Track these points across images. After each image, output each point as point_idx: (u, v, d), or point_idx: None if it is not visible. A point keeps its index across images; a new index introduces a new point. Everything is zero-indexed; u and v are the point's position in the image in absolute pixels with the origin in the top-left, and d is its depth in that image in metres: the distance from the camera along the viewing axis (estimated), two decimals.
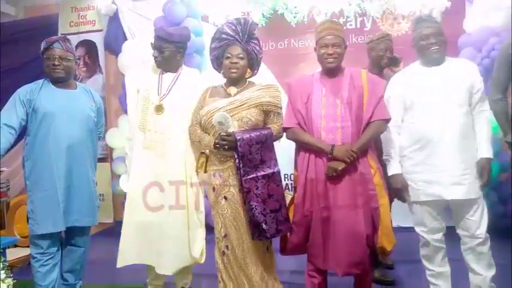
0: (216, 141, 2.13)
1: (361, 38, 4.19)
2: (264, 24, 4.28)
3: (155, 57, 2.42)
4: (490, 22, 3.46)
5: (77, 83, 2.58)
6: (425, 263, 2.35)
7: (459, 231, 2.25)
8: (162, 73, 2.46)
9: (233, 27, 2.22)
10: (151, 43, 2.42)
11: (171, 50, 2.41)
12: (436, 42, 2.20)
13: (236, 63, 2.20)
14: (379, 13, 4.06)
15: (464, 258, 2.26)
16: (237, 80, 2.25)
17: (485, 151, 2.17)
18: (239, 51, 2.20)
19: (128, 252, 2.39)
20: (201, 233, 2.44)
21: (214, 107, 2.20)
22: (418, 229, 2.33)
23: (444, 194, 2.17)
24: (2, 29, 4.67)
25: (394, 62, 2.90)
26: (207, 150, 2.31)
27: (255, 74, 2.35)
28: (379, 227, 2.14)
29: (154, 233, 2.37)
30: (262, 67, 4.25)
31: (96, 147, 2.62)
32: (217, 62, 2.31)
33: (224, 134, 2.11)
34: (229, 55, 2.21)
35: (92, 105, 2.53)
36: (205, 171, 2.30)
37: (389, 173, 2.31)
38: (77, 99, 2.48)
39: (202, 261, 2.45)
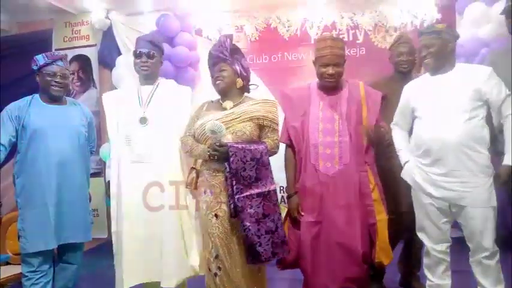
0: (208, 149, 2.08)
1: (353, 50, 4.23)
2: (257, 38, 4.32)
3: (144, 64, 2.38)
4: (480, 33, 3.50)
5: (67, 98, 2.57)
6: (426, 272, 2.32)
7: (467, 243, 2.21)
8: (140, 86, 2.45)
9: (216, 48, 2.23)
10: (137, 51, 2.40)
11: (159, 55, 2.43)
12: (428, 53, 2.20)
13: (218, 76, 2.19)
14: (371, 26, 4.10)
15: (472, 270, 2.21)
16: (226, 92, 2.22)
17: (507, 159, 2.09)
18: (221, 65, 2.19)
19: (134, 271, 2.31)
20: (197, 239, 2.38)
21: (209, 119, 2.17)
22: (420, 235, 2.31)
23: (448, 198, 2.14)
24: None
25: (415, 66, 2.74)
26: (198, 165, 2.28)
27: (249, 86, 2.31)
28: (376, 242, 2.12)
29: (154, 245, 2.31)
30: (256, 80, 4.31)
31: (89, 162, 2.60)
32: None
33: (217, 144, 2.06)
34: (213, 73, 2.23)
35: (83, 119, 2.52)
36: (196, 188, 2.26)
37: (402, 163, 2.32)
38: (67, 114, 2.47)
39: (203, 272, 2.35)
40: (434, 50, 2.19)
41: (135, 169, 2.35)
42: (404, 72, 2.69)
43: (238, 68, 2.21)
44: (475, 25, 3.50)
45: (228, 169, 2.03)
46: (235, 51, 2.26)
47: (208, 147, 2.09)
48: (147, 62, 2.38)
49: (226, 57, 2.19)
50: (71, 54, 4.60)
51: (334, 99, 2.22)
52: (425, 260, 2.32)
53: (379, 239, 2.14)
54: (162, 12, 4.23)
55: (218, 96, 2.29)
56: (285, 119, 2.26)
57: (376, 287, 2.71)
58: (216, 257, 2.09)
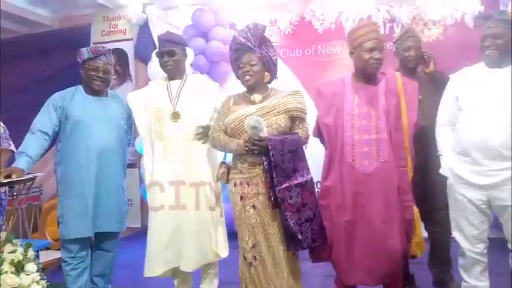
0: (247, 144, 2.08)
1: (390, 44, 4.11)
2: (290, 31, 4.29)
3: (166, 63, 2.44)
4: None
5: (108, 90, 2.64)
6: (461, 273, 2.26)
7: (508, 244, 2.13)
8: (169, 82, 2.50)
9: (244, 35, 2.17)
10: (157, 52, 2.48)
11: (181, 53, 2.47)
12: (494, 44, 2.06)
13: (248, 70, 2.16)
14: (409, 19, 3.98)
15: None
16: (255, 87, 2.20)
17: None
18: (251, 58, 2.15)
19: (157, 262, 2.39)
20: (222, 229, 2.48)
21: (243, 113, 2.16)
22: (456, 235, 2.24)
23: (490, 185, 2.05)
24: (37, 38, 4.87)
25: (424, 61, 2.62)
26: (228, 160, 2.30)
27: (275, 78, 2.28)
28: (412, 238, 2.10)
29: (179, 235, 2.39)
30: (289, 74, 4.27)
31: (126, 154, 2.67)
32: (237, 72, 2.28)
33: (256, 138, 2.07)
34: (241, 65, 2.18)
35: (122, 112, 2.59)
36: (227, 182, 2.28)
37: (440, 171, 2.25)
38: (108, 107, 2.54)
39: (225, 255, 2.47)
40: (502, 41, 2.05)
41: (167, 164, 2.40)
42: (410, 68, 2.58)
43: (267, 61, 2.18)
44: None
45: (267, 162, 2.06)
46: (264, 41, 2.21)
47: (246, 142, 2.09)
48: (169, 60, 2.43)
49: (254, 48, 2.15)
50: (108, 47, 4.73)
51: (370, 93, 2.15)
52: (460, 261, 2.25)
53: (415, 234, 2.11)
54: (198, 6, 4.29)
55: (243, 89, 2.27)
56: (317, 115, 2.23)
57: None
58: (253, 246, 2.15)
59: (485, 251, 2.18)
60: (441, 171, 2.25)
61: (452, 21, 3.82)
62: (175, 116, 2.42)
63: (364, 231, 2.09)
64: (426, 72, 2.62)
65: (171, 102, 2.44)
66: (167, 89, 2.48)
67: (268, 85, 2.25)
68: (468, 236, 2.18)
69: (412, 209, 2.09)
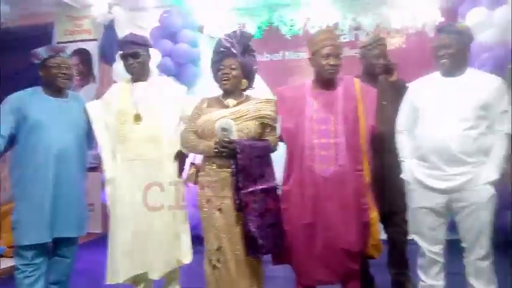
0: (216, 146, 2.10)
1: (356, 51, 4.22)
2: (259, 36, 4.31)
3: (130, 65, 2.42)
4: (482, 38, 3.50)
5: (69, 91, 2.56)
6: (419, 272, 2.33)
7: (463, 244, 2.21)
8: (132, 83, 2.47)
9: (229, 40, 2.23)
10: (121, 54, 2.44)
11: (145, 54, 2.45)
12: (444, 54, 2.15)
13: (228, 73, 2.19)
14: (373, 27, 4.09)
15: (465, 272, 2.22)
16: (231, 91, 2.23)
17: (494, 172, 2.09)
18: (232, 62, 2.20)
19: (119, 269, 2.33)
20: (186, 233, 2.47)
21: (215, 115, 2.18)
22: (415, 237, 2.31)
23: (449, 189, 2.12)
24: None
25: (388, 70, 2.71)
26: (198, 161, 2.30)
27: (251, 87, 2.33)
28: (369, 239, 2.15)
29: (143, 239, 2.34)
30: (257, 78, 4.29)
31: (86, 157, 2.59)
32: (217, 75, 2.30)
33: (226, 140, 2.08)
34: (222, 67, 2.21)
35: (83, 114, 2.51)
36: (196, 183, 2.28)
37: (402, 176, 2.31)
38: (67, 108, 2.46)
39: (189, 260, 2.45)
40: (453, 51, 2.15)
41: (130, 168, 2.37)
42: (375, 75, 2.64)
43: (248, 69, 2.23)
44: (477, 29, 3.49)
45: (235, 165, 2.07)
46: (248, 49, 2.27)
47: (216, 144, 2.10)
48: (134, 62, 2.41)
49: (236, 53, 2.20)
50: (72, 48, 4.60)
51: (329, 98, 2.20)
52: (419, 261, 2.32)
53: (372, 237, 2.17)
54: (165, 8, 4.23)
55: (218, 93, 2.30)
56: (281, 119, 2.26)
57: None
58: (218, 249, 2.15)
59: (442, 252, 2.27)
60: (402, 175, 2.31)
61: (414, 31, 3.95)
62: (137, 118, 2.38)
63: (322, 233, 2.13)
64: (390, 80, 2.70)
65: (134, 104, 2.40)
66: (130, 91, 2.44)
67: (244, 93, 2.29)
68: (427, 237, 2.25)
69: (368, 211, 2.15)
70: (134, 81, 2.47)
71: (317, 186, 2.14)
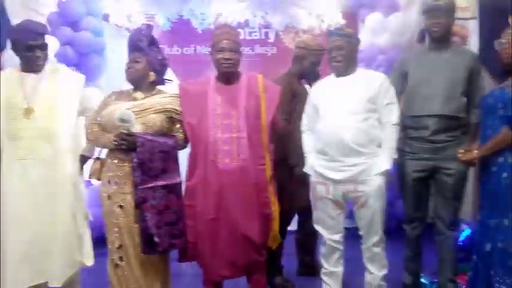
0: (115, 138, 2.02)
1: (265, 49, 4.32)
2: (169, 28, 4.19)
3: (37, 58, 2.20)
4: (378, 41, 3.81)
5: None
6: (322, 261, 2.47)
7: (360, 231, 2.38)
8: (22, 75, 2.23)
9: (134, 35, 2.22)
10: (28, 45, 2.17)
11: (45, 44, 2.25)
12: (337, 56, 2.31)
13: (130, 67, 2.17)
14: (282, 26, 4.22)
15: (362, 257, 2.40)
16: (138, 84, 2.19)
17: (385, 162, 2.27)
18: (136, 56, 2.17)
19: (14, 279, 2.11)
20: (88, 235, 2.34)
21: (118, 107, 2.10)
22: (317, 227, 2.44)
23: (347, 179, 2.27)
24: None
25: (315, 77, 2.85)
26: (102, 156, 2.20)
27: (163, 80, 2.29)
28: (271, 231, 2.25)
29: (39, 246, 2.14)
30: (168, 71, 4.17)
31: None
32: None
33: (125, 132, 2.01)
34: (127, 61, 2.19)
35: None
36: (99, 179, 2.17)
37: (304, 169, 2.44)
38: None
39: (91, 262, 2.32)
40: (345, 53, 2.31)
41: (22, 167, 2.14)
42: (304, 77, 2.85)
43: (152, 61, 2.18)
44: (373, 33, 3.80)
45: (135, 159, 1.99)
46: (153, 42, 2.23)
47: (116, 136, 2.02)
48: (41, 55, 2.21)
49: (142, 48, 2.16)
50: None
51: (232, 93, 2.24)
52: (321, 249, 2.47)
53: (272, 228, 2.26)
54: None
55: (128, 86, 2.24)
56: (182, 114, 2.22)
57: (278, 279, 2.83)
58: (119, 247, 2.08)
59: (342, 239, 2.43)
60: (305, 169, 2.44)
61: (320, 32, 4.16)
62: (29, 112, 2.16)
63: (226, 228, 2.17)
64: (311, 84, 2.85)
65: (24, 97, 2.17)
66: (21, 83, 2.20)
67: (157, 86, 2.24)
68: (327, 226, 2.40)
69: (270, 204, 2.23)
70: (24, 71, 2.23)
71: (220, 181, 2.15)
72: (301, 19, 4.18)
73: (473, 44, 3.96)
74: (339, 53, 2.31)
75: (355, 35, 2.45)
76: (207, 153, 2.17)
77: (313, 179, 2.40)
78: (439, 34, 2.46)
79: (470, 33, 4.02)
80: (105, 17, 4.08)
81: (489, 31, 3.72)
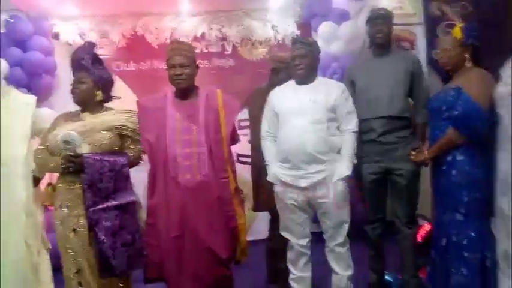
0: (62, 161, 1.97)
1: (222, 61, 4.34)
2: (124, 45, 4.14)
3: None
4: (331, 49, 3.92)
5: None
6: (290, 266, 2.48)
7: (324, 235, 2.43)
8: None
9: (77, 54, 2.17)
10: None
11: None
12: (301, 63, 2.36)
13: (76, 88, 2.13)
14: (238, 38, 4.26)
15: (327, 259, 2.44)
16: (85, 104, 2.16)
17: (345, 168, 2.34)
18: (80, 76, 2.13)
19: None
20: (46, 265, 2.25)
21: (62, 129, 2.05)
22: (284, 234, 2.46)
23: (311, 186, 2.31)
24: None
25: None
26: (54, 180, 2.14)
27: (110, 99, 2.26)
28: (238, 244, 2.23)
29: None
30: (124, 88, 4.11)
31: None
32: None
33: (71, 154, 1.96)
34: (72, 81, 2.15)
35: None
36: (52, 204, 2.11)
37: (267, 178, 2.44)
38: None
39: None
40: (307, 61, 2.37)
41: None
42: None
43: (98, 80, 2.14)
44: (326, 41, 3.91)
45: (84, 181, 1.94)
46: (97, 61, 2.20)
47: (62, 159, 1.97)
48: None
49: (87, 67, 2.12)
50: None
51: (191, 108, 2.24)
52: (288, 255, 2.49)
53: (240, 241, 2.24)
54: (12, 12, 3.78)
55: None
56: (140, 131, 2.21)
57: None
58: (77, 272, 2.01)
59: (309, 244, 2.46)
60: (268, 178, 2.46)
61: (276, 42, 4.24)
62: None
63: (191, 244, 2.14)
64: None
65: None
66: None
67: (104, 104, 2.21)
68: (294, 232, 2.42)
69: (235, 217, 2.22)
70: None
71: (182, 197, 2.13)
72: (257, 30, 4.24)
73: (421, 48, 4.18)
74: (302, 61, 2.36)
75: (316, 44, 2.51)
76: (167, 169, 2.15)
77: (277, 187, 2.42)
78: (382, 40, 2.60)
79: (417, 38, 4.23)
80: (55, 36, 3.97)
81: (435, 35, 3.95)
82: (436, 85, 2.92)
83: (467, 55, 2.27)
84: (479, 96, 2.13)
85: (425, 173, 2.62)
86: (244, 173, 3.15)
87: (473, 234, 2.17)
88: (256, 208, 2.88)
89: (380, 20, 2.58)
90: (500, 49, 2.10)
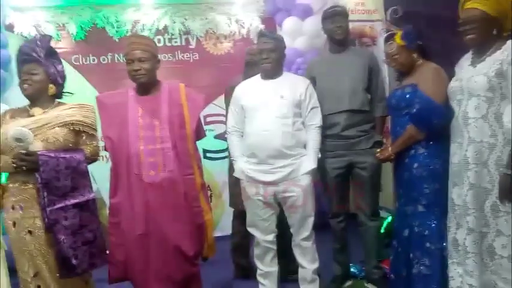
0: (13, 160, 1.87)
1: (187, 55, 4.26)
2: (82, 37, 3.98)
3: None
4: (296, 44, 3.95)
5: None
6: (256, 262, 2.50)
7: (291, 229, 2.45)
8: None
9: (29, 45, 2.07)
10: None
11: None
12: (268, 57, 2.35)
13: (27, 79, 2.02)
14: (202, 32, 4.19)
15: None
16: (36, 98, 2.05)
17: (311, 162, 2.38)
18: (32, 67, 2.03)
19: None
20: (4, 271, 2.13)
21: (12, 126, 1.94)
22: (250, 230, 2.46)
23: (277, 181, 2.33)
24: None
25: None
26: (3, 180, 2.03)
27: (62, 92, 2.18)
28: (205, 241, 2.21)
29: None
30: (83, 82, 3.96)
31: None
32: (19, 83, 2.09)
33: (23, 153, 1.86)
34: (22, 74, 2.04)
35: None
36: (2, 206, 2.00)
37: (234, 174, 2.44)
38: None
39: None
40: (276, 55, 2.37)
41: None
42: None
43: (54, 72, 2.05)
44: (291, 37, 3.92)
45: (39, 180, 1.86)
46: (52, 53, 2.10)
47: (13, 158, 1.87)
48: None
49: (39, 58, 2.02)
50: None
51: (153, 104, 2.19)
52: (255, 251, 2.51)
53: (208, 237, 2.23)
54: None
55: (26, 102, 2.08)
56: (101, 128, 2.14)
57: None
58: (35, 275, 1.94)
59: (275, 239, 2.48)
60: (235, 174, 2.45)
61: (240, 37, 4.21)
62: None
63: (157, 242, 2.11)
64: None
65: None
66: None
67: (57, 100, 2.12)
68: (260, 228, 2.43)
69: (202, 213, 2.20)
70: None
71: (147, 195, 2.09)
72: (221, 24, 4.19)
73: (383, 44, 4.26)
74: (270, 54, 2.36)
75: (283, 39, 2.51)
76: (130, 166, 2.10)
77: (244, 182, 2.41)
78: (341, 37, 2.65)
79: (378, 34, 4.33)
80: (9, 27, 3.76)
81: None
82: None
83: (415, 55, 2.35)
84: (435, 93, 2.20)
85: (386, 166, 2.69)
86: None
87: (434, 224, 2.26)
88: (232, 204, 2.89)
89: (338, 16, 2.63)
90: (456, 46, 2.17)
